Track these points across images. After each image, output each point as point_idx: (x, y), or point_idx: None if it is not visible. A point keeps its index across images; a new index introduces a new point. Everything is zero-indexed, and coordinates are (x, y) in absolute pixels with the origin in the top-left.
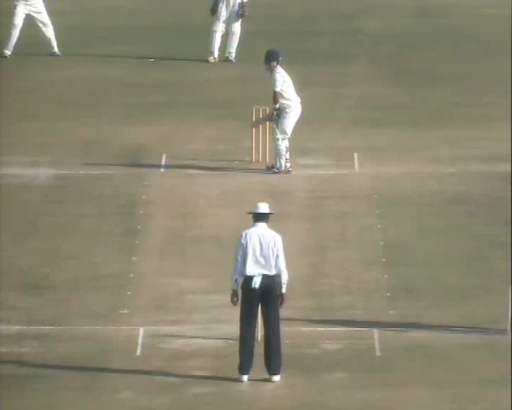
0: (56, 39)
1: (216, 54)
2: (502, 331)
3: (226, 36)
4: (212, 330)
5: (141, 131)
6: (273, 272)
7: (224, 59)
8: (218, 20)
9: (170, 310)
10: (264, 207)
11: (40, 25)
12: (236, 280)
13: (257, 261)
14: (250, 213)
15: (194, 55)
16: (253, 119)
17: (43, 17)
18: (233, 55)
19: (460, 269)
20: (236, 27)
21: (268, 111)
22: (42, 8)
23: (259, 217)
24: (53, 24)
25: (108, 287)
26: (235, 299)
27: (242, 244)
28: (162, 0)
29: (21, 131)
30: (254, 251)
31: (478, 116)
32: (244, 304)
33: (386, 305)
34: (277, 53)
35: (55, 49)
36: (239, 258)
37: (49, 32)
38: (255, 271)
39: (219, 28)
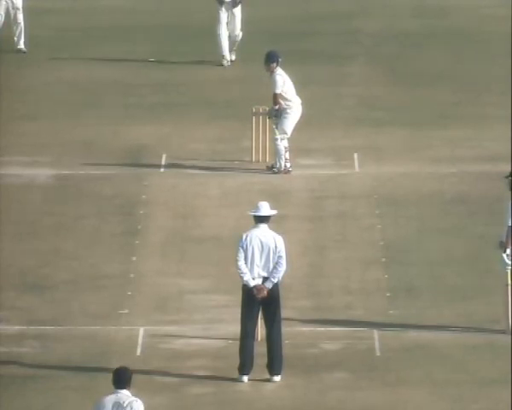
0: (57, 39)
1: (228, 56)
2: (502, 331)
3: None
4: (212, 330)
5: (141, 131)
6: None
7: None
8: (220, 23)
9: (170, 310)
10: (265, 207)
11: (13, 20)
12: (248, 280)
13: (257, 264)
14: (251, 213)
15: (195, 55)
16: (253, 119)
17: (19, 15)
18: (233, 55)
19: (460, 269)
20: (237, 29)
21: (268, 109)
22: (20, 5)
23: (260, 218)
24: (53, 24)
25: (108, 287)
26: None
27: (242, 247)
28: (162, 0)
29: (21, 131)
30: (255, 253)
31: (478, 116)
32: (245, 305)
33: (386, 305)
34: (277, 54)
35: (22, 45)
36: (240, 262)
37: (19, 29)
38: (256, 273)
39: (223, 31)
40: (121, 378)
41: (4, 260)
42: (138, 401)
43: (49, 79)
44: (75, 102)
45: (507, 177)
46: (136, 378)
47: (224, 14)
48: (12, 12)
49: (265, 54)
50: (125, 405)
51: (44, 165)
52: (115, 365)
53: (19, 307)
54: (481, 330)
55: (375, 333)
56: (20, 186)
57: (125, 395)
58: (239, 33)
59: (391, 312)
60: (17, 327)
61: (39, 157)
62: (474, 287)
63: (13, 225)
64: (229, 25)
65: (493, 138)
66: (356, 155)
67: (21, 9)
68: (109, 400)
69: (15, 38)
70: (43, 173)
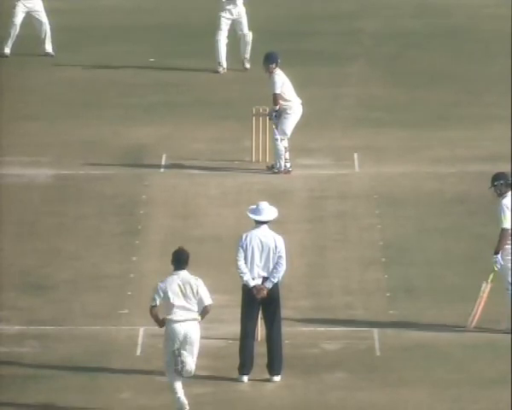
0: (57, 39)
1: (225, 64)
2: (501, 331)
3: (238, 41)
4: (212, 330)
5: (141, 131)
6: None
7: (241, 63)
8: (221, 29)
9: None
10: (265, 208)
11: (37, 23)
12: (248, 280)
13: (257, 264)
14: (252, 217)
15: (194, 55)
16: (253, 119)
17: (41, 16)
18: (247, 64)
19: (460, 269)
20: (246, 30)
21: (268, 110)
22: (40, 6)
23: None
24: (53, 24)
25: (108, 287)
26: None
27: (242, 247)
28: (162, 0)
29: (22, 131)
30: (254, 253)
31: (478, 116)
32: (245, 305)
33: (386, 305)
34: (276, 55)
35: (50, 49)
36: (240, 261)
37: (45, 30)
38: (255, 273)
39: (223, 37)
40: (180, 259)
41: (5, 260)
42: (198, 279)
43: (49, 79)
44: (75, 102)
45: (490, 188)
46: (135, 378)
47: (225, 21)
48: (35, 15)
49: (264, 55)
50: (183, 284)
51: (45, 165)
52: (116, 365)
53: (19, 307)
54: (481, 330)
55: (375, 333)
56: (20, 186)
57: (184, 274)
58: (248, 33)
59: (391, 312)
60: (17, 327)
61: (40, 157)
62: (474, 287)
63: (13, 224)
64: (237, 26)
65: (493, 138)
66: (356, 155)
67: (43, 11)
68: (172, 280)
69: (45, 41)
70: (43, 173)
